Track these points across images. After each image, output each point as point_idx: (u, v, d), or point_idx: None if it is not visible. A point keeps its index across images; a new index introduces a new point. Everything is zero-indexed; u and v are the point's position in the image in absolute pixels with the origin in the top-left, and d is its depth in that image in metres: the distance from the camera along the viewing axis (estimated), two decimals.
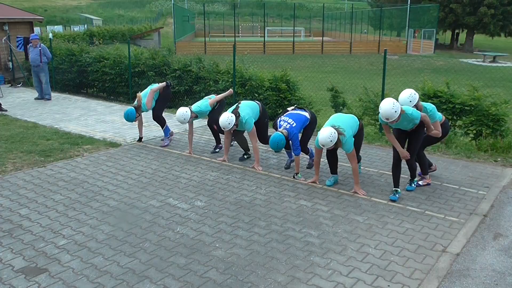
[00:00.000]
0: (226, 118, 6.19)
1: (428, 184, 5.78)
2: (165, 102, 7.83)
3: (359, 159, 5.93)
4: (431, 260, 3.99)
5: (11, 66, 14.49)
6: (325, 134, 5.20)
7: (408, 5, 36.96)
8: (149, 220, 4.74)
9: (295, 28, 38.62)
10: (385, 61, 8.49)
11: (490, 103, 7.54)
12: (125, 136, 8.11)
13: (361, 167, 6.24)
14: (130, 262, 3.92)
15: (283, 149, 6.05)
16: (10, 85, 14.18)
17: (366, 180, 5.94)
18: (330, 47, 35.90)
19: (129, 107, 7.32)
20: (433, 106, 5.63)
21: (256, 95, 9.62)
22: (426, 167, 5.83)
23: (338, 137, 5.23)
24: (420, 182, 5.76)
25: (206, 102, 7.03)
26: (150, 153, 7.15)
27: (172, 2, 43.57)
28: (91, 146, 7.42)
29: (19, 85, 14.19)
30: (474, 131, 7.69)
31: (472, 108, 7.58)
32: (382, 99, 7.85)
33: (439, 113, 5.74)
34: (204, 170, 6.32)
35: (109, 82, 12.49)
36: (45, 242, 4.24)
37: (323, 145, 5.28)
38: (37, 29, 20.56)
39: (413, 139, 5.43)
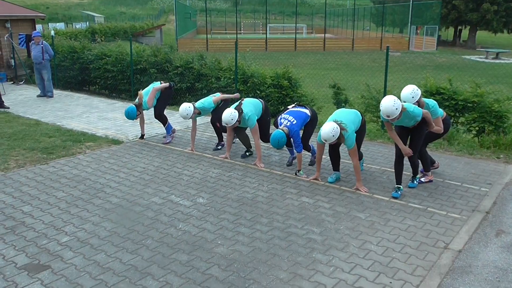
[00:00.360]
0: (229, 114, 6.20)
1: (430, 181, 5.77)
2: (167, 101, 7.82)
3: (361, 156, 5.92)
4: (433, 257, 3.99)
5: (13, 64, 14.51)
6: (328, 129, 5.20)
7: (411, 2, 36.82)
8: (151, 217, 4.74)
9: (297, 25, 38.50)
10: (387, 57, 8.46)
11: (493, 99, 7.51)
12: (127, 133, 8.12)
13: (363, 164, 6.23)
14: (133, 259, 3.93)
15: (285, 146, 6.05)
16: (12, 82, 14.20)
17: (368, 177, 5.93)
18: (332, 44, 35.82)
19: (130, 105, 7.33)
20: (435, 102, 5.61)
21: (258, 92, 9.61)
22: (428, 163, 5.82)
23: (340, 132, 5.22)
24: (422, 179, 5.75)
25: (210, 99, 7.03)
26: (152, 150, 7.15)
27: None
28: (93, 143, 7.43)
29: (21, 83, 14.21)
30: (477, 128, 7.67)
31: (475, 105, 7.55)
32: (384, 96, 7.84)
33: (440, 109, 5.73)
34: (206, 167, 6.32)
35: (111, 79, 12.49)
36: (48, 239, 4.26)
37: (326, 140, 5.28)
38: (39, 27, 20.55)
39: (415, 136, 5.42)
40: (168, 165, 6.40)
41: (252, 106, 6.47)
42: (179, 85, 10.74)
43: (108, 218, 4.72)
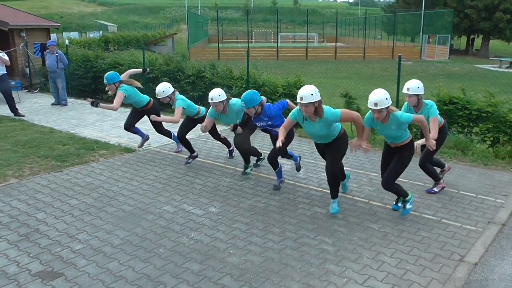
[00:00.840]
0: (219, 91, 6.05)
1: (443, 188, 5.69)
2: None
3: (342, 175, 5.47)
4: (448, 269, 3.93)
5: (28, 72, 14.74)
6: (379, 91, 4.49)
7: (423, 11, 36.77)
8: (164, 225, 4.75)
9: (308, 33, 38.63)
10: (399, 67, 8.43)
11: (507, 109, 7.42)
12: (139, 142, 8.16)
13: (348, 180, 5.77)
14: (145, 267, 3.93)
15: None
16: (27, 90, 14.41)
17: (381, 188, 5.87)
18: (343, 53, 35.85)
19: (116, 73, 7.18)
20: (433, 102, 5.45)
21: (270, 101, 9.62)
22: (436, 174, 5.68)
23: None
24: (435, 189, 5.68)
25: (193, 104, 6.97)
26: (164, 158, 7.19)
27: (186, 8, 44.00)
28: (106, 152, 7.49)
29: (36, 91, 14.42)
30: (491, 138, 7.57)
31: (489, 114, 7.47)
32: (397, 105, 7.80)
33: (438, 115, 5.55)
34: (218, 176, 6.32)
35: None
36: (62, 247, 4.28)
37: (376, 104, 4.40)
38: (53, 36, 20.90)
39: (396, 162, 4.85)
40: (180, 174, 6.42)
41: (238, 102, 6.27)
42: (191, 93, 10.80)
43: (121, 226, 4.74)
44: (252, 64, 10.13)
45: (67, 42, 15.74)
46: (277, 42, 37.60)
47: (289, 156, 6.26)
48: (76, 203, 5.34)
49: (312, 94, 4.53)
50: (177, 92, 6.78)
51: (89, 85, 13.63)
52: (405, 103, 5.53)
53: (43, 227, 4.69)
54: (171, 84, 11.01)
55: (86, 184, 6.00)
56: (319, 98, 4.58)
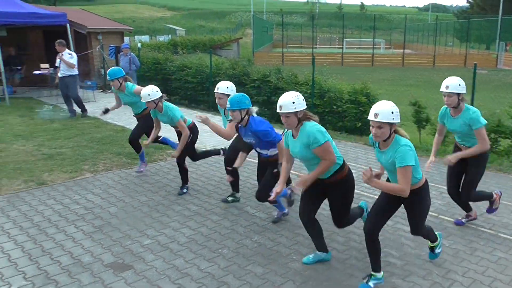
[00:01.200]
0: (228, 84, 5.33)
1: (500, 197, 5.00)
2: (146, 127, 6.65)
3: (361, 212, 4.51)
4: None
5: (103, 73, 15.62)
6: (385, 103, 3.50)
7: (499, 16, 34.70)
8: (228, 226, 4.83)
9: (374, 39, 37.74)
10: (474, 75, 8.00)
11: None
12: (205, 143, 8.37)
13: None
14: (210, 266, 4.01)
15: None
16: (101, 90, 15.28)
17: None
18: (411, 60, 34.62)
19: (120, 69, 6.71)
20: (478, 110, 4.65)
21: (335, 107, 9.50)
22: (486, 194, 4.95)
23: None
24: (493, 207, 5.01)
25: (178, 112, 6.01)
26: None
27: (252, 13, 44.62)
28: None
29: (110, 91, 15.22)
30: None
31: None
32: None
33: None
34: None
35: (191, 90, 13.01)
36: (131, 240, 4.48)
37: (377, 114, 3.42)
38: (126, 39, 22.02)
39: (413, 213, 3.78)
40: (244, 176, 6.49)
41: None
42: (255, 98, 10.90)
43: (187, 224, 4.87)
44: (317, 70, 10.05)
45: (139, 45, 16.54)
46: (342, 48, 37.08)
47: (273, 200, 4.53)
48: (145, 200, 5.57)
49: (293, 102, 3.74)
50: (164, 99, 5.93)
51: (158, 87, 14.12)
52: (443, 106, 4.76)
53: (115, 221, 4.94)
54: (238, 88, 11.18)
55: (155, 182, 6.24)
56: (303, 108, 3.80)
